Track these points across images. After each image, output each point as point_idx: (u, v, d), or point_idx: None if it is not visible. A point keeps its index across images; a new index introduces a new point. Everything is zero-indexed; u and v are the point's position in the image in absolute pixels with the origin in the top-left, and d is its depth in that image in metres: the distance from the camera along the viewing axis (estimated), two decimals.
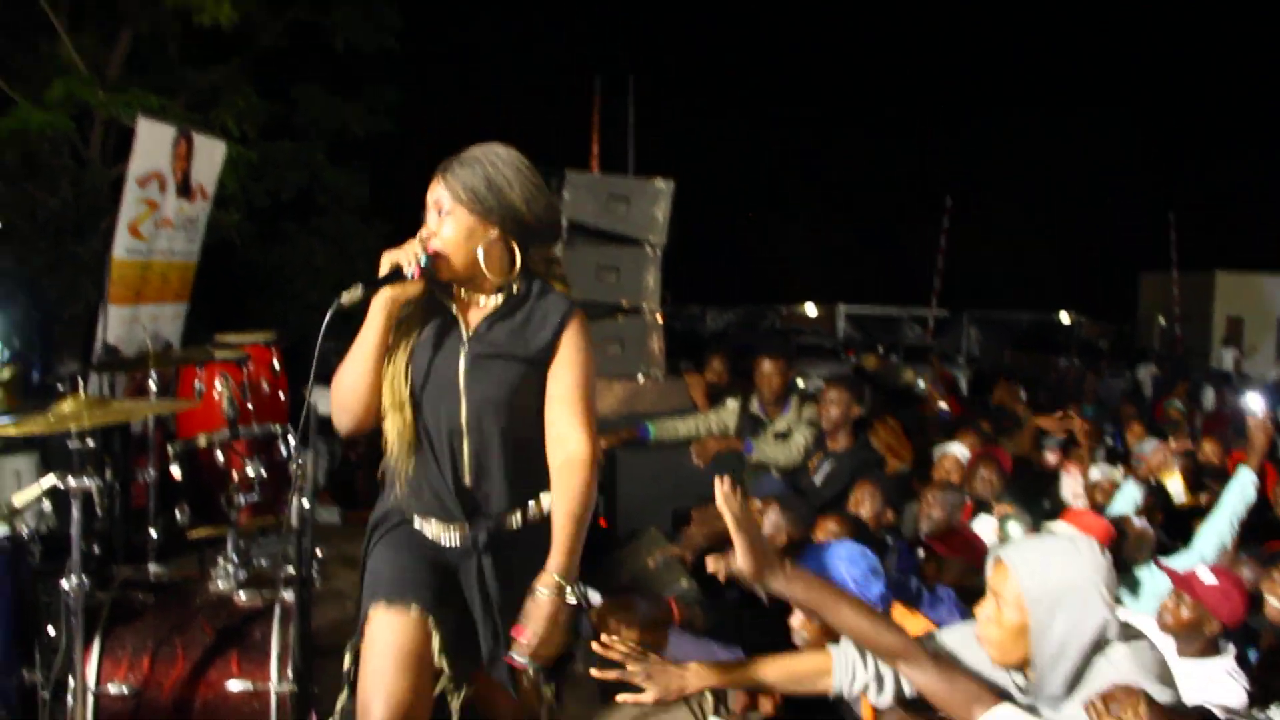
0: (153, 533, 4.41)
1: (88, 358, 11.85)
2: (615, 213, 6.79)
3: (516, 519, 2.72)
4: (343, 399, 2.67)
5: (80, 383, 3.70)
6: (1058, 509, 5.63)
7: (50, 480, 3.20)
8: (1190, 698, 2.56)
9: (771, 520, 4.62)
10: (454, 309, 2.73)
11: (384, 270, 2.58)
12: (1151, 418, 9.51)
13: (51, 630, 3.61)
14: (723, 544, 5.09)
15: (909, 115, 38.58)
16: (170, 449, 4.00)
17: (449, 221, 2.63)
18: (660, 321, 6.87)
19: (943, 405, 8.35)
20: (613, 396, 6.66)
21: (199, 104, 10.31)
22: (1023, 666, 2.44)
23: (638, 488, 6.08)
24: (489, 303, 2.72)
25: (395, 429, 2.66)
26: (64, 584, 3.16)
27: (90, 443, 3.36)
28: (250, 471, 3.88)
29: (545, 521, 2.67)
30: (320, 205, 13.00)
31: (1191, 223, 25.56)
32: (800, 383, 8.61)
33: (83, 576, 3.16)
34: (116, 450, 5.21)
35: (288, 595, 3.56)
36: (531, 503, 2.73)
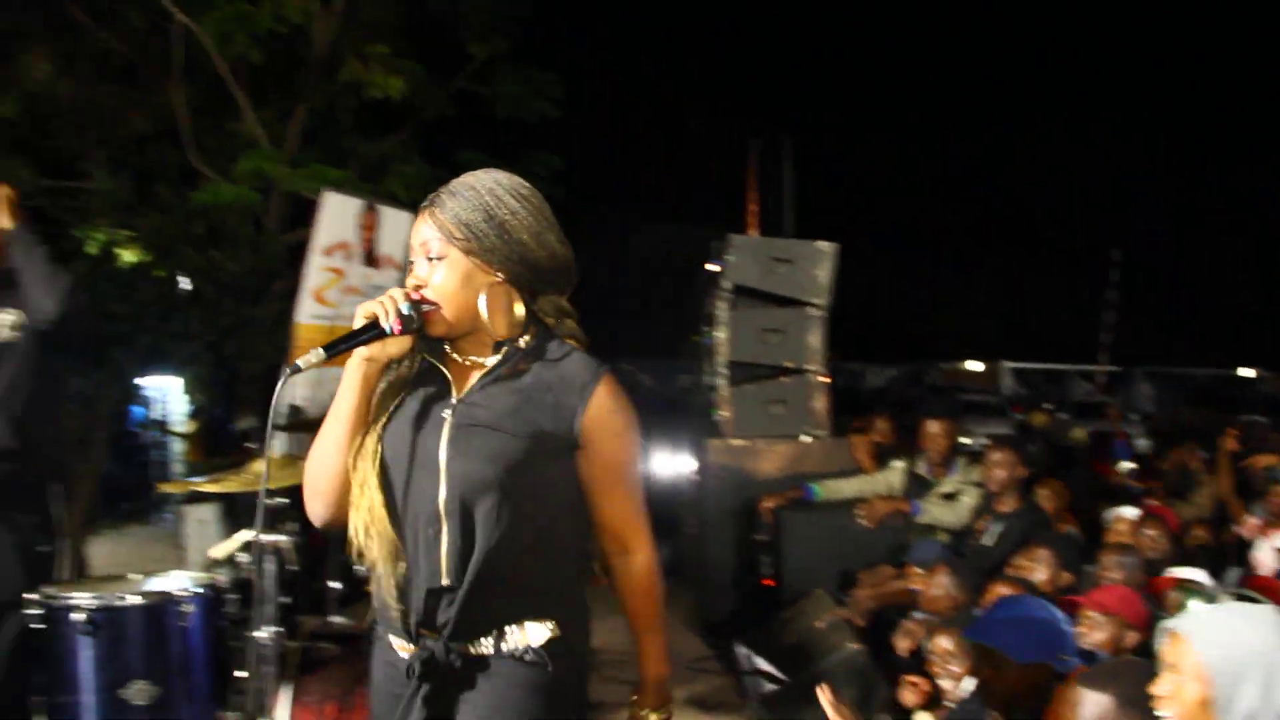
0: (334, 584, 4.58)
1: (266, 415, 12.36)
2: (778, 275, 6.84)
3: (488, 643, 2.14)
4: (314, 482, 2.18)
5: (267, 441, 3.90)
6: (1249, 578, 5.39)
7: (246, 535, 3.39)
8: None
9: (941, 584, 4.55)
10: (446, 371, 2.20)
11: (357, 325, 2.10)
12: None
13: (244, 675, 3.78)
14: (892, 607, 5.06)
15: (1077, 169, 37.80)
16: None
17: (441, 267, 2.13)
18: (825, 382, 6.86)
19: (1128, 466, 8.06)
20: (777, 457, 6.68)
21: (369, 173, 10.74)
22: None
23: (803, 548, 6.06)
24: (490, 363, 2.19)
25: (361, 521, 2.10)
26: (258, 634, 3.32)
27: (283, 500, 3.53)
28: None
29: (522, 658, 2.14)
30: None
31: None
32: (966, 441, 8.46)
33: (276, 627, 3.32)
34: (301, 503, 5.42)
35: None
36: (514, 628, 2.14)
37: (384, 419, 2.15)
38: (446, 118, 11.76)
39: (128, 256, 10.77)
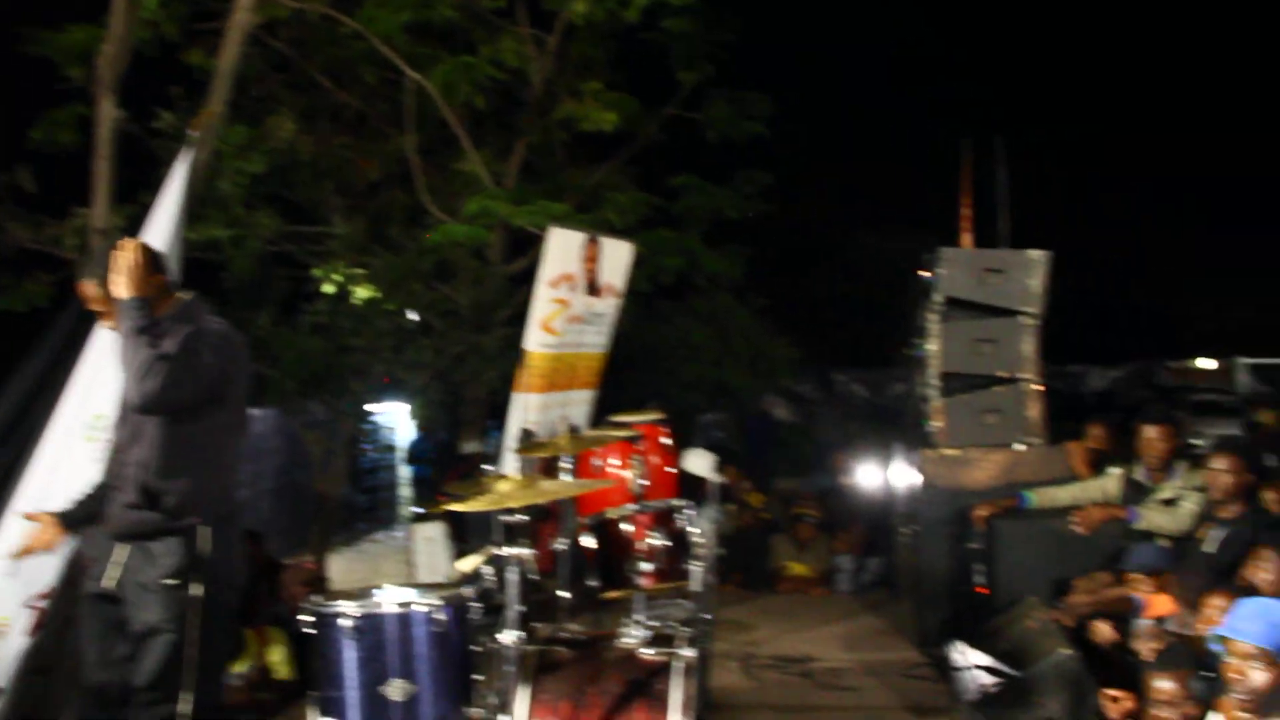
0: (563, 594, 4.91)
1: (489, 438, 12.99)
2: (990, 285, 6.92)
3: None
4: None
5: (506, 462, 4.27)
6: None
7: (490, 550, 3.77)
8: None
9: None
10: None
11: None
12: None
13: (486, 676, 4.15)
14: (1106, 613, 5.08)
15: None
16: (581, 521, 4.50)
17: None
18: (1039, 390, 6.89)
19: None
20: (991, 466, 6.74)
21: (584, 202, 11.17)
22: None
23: (1017, 556, 6.10)
24: None
25: None
26: (503, 637, 3.67)
27: (523, 517, 3.87)
28: (653, 541, 4.29)
29: None
30: (696, 286, 13.64)
31: None
32: (1199, 443, 8.24)
33: (518, 631, 3.67)
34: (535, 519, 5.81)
35: (687, 652, 3.93)
36: None
37: None
38: (657, 144, 12.08)
39: (361, 293, 11.55)
